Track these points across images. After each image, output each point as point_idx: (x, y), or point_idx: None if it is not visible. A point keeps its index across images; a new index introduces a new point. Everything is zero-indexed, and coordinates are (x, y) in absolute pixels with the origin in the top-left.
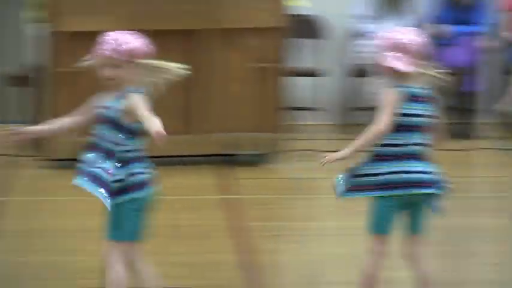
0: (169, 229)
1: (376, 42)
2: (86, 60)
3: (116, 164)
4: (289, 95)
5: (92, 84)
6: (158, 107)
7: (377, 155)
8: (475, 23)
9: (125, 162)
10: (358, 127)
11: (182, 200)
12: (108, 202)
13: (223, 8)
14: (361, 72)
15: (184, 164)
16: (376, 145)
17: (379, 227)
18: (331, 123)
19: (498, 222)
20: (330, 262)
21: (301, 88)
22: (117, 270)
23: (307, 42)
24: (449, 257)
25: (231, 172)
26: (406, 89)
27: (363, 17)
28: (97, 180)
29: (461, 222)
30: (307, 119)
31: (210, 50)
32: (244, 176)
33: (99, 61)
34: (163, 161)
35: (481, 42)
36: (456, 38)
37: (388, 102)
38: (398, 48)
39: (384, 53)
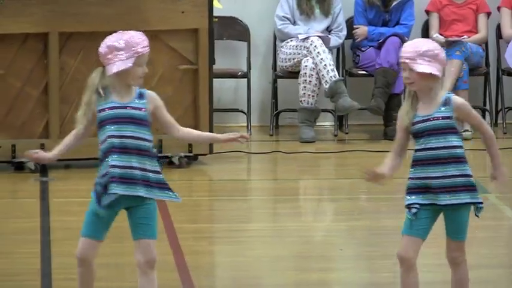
0: None
1: None
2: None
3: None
4: (217, 97)
5: (6, 86)
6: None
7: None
8: (399, 24)
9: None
10: (285, 128)
11: None
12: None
13: (147, 10)
14: (285, 73)
15: None
16: None
17: None
18: (259, 124)
19: None
20: (263, 264)
21: (227, 90)
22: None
23: (232, 43)
24: (379, 258)
25: (164, 174)
26: None
27: (287, 18)
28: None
29: (391, 223)
30: (235, 121)
31: None
32: (176, 178)
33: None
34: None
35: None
36: (380, 39)
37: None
38: None
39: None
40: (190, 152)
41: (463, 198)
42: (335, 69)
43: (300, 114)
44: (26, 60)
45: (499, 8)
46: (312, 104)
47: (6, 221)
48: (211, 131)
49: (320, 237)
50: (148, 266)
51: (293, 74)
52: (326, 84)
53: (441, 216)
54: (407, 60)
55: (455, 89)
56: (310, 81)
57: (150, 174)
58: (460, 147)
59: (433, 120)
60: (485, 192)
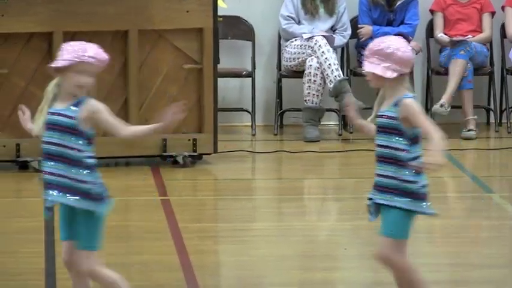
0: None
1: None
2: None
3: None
4: (221, 96)
5: (10, 85)
6: None
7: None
8: (403, 24)
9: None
10: (289, 128)
11: (120, 201)
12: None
13: (152, 9)
14: (290, 72)
15: (126, 164)
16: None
17: None
18: (261, 123)
19: (432, 223)
20: (268, 263)
21: (231, 89)
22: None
23: (236, 43)
24: None
25: (168, 173)
26: None
27: (291, 18)
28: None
29: None
30: (240, 120)
31: (142, 51)
32: (181, 177)
33: (76, 67)
34: (100, 162)
35: (411, 43)
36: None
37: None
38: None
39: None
40: (194, 151)
41: (395, 201)
42: (339, 69)
43: (305, 114)
44: (30, 60)
45: (503, 8)
46: (316, 103)
47: (10, 220)
48: (215, 130)
49: (324, 237)
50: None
51: (297, 73)
52: (330, 84)
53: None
54: (364, 58)
55: (459, 89)
56: (314, 81)
57: (77, 184)
58: (403, 150)
59: (382, 117)
60: (490, 192)
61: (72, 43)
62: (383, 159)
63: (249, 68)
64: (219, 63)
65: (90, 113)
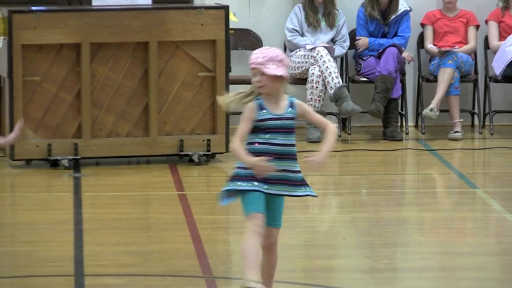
0: (132, 222)
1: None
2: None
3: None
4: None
5: (43, 91)
6: (119, 113)
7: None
8: (397, 36)
9: None
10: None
11: (141, 195)
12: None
13: (170, 23)
14: (295, 79)
15: (147, 162)
16: None
17: None
18: None
19: (422, 215)
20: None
21: None
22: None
23: (246, 53)
24: (378, 246)
25: (185, 171)
26: None
27: (295, 30)
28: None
29: (390, 215)
30: None
31: (161, 60)
32: (196, 174)
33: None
34: (123, 160)
35: (402, 53)
36: (379, 49)
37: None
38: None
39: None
40: (208, 150)
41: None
42: (339, 76)
43: None
44: (60, 68)
45: (486, 21)
46: (318, 107)
47: (43, 212)
48: (227, 131)
49: (325, 228)
50: None
51: (301, 80)
52: (331, 90)
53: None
54: (258, 66)
55: (447, 94)
56: (316, 87)
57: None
58: (295, 145)
59: (283, 119)
60: (474, 187)
61: None
62: (281, 156)
63: None
64: (230, 71)
65: None
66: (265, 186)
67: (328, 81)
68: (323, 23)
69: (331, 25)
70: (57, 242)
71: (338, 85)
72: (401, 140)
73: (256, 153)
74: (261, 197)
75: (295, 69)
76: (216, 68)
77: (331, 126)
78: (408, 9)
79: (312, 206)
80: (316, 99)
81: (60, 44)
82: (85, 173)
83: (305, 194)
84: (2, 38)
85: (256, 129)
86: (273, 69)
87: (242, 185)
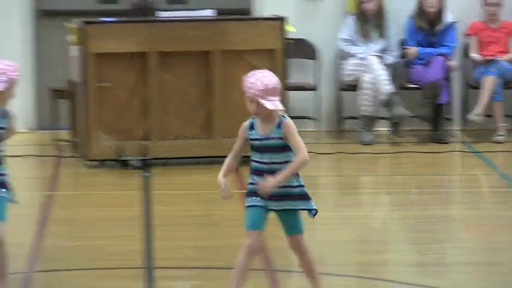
0: (198, 218)
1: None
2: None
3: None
4: (290, 106)
5: (114, 96)
6: (184, 117)
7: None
8: (443, 45)
9: None
10: (348, 133)
11: (206, 194)
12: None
13: (232, 33)
14: (348, 86)
15: (209, 163)
16: None
17: None
18: (324, 129)
19: (467, 213)
20: (330, 247)
21: (299, 100)
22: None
23: (302, 61)
24: (427, 242)
25: (246, 171)
26: None
27: (348, 40)
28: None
29: (437, 212)
30: (306, 127)
31: (223, 68)
32: None
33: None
34: (191, 161)
35: (449, 62)
36: (427, 58)
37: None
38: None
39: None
40: None
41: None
42: (390, 83)
43: (361, 121)
44: (130, 75)
45: None
46: (370, 112)
47: (114, 209)
48: None
49: (377, 225)
50: None
51: (354, 87)
52: (382, 96)
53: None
54: (256, 98)
55: (492, 100)
56: (369, 93)
57: None
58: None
59: (269, 139)
60: None
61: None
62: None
63: (313, 83)
64: (287, 78)
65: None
66: (265, 202)
67: (379, 88)
68: (374, 33)
69: (381, 35)
70: (128, 237)
71: (389, 91)
72: (448, 142)
73: (254, 170)
74: (260, 213)
75: (348, 77)
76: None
77: (300, 156)
78: (454, 20)
79: (365, 205)
80: (368, 105)
81: (130, 53)
82: (153, 173)
83: (303, 208)
84: (76, 47)
85: (251, 147)
86: (271, 103)
87: (247, 201)
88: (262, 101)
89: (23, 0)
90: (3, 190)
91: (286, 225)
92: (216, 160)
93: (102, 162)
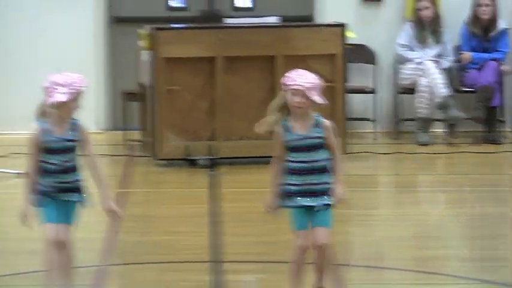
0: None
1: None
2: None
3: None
4: (350, 108)
5: (182, 99)
6: (249, 118)
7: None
8: (496, 51)
9: None
10: (405, 134)
11: (267, 191)
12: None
13: (295, 39)
14: (405, 89)
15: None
16: None
17: None
18: (383, 130)
19: None
20: (388, 242)
21: (358, 103)
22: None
23: (362, 66)
24: (481, 238)
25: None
26: None
27: (406, 46)
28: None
29: (490, 210)
30: (364, 128)
31: (286, 72)
32: None
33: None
34: (255, 160)
35: (501, 66)
36: (481, 62)
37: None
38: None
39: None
40: None
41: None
42: (445, 87)
43: (417, 123)
44: (197, 79)
45: None
46: (427, 114)
47: (183, 206)
48: (344, 136)
49: (434, 221)
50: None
51: (411, 90)
52: (438, 99)
53: None
54: (305, 90)
55: None
56: (425, 96)
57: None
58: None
59: (307, 138)
60: None
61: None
62: (317, 171)
63: (372, 86)
64: (347, 81)
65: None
66: (307, 201)
67: (435, 91)
68: (430, 39)
69: (437, 41)
70: (196, 232)
71: (444, 94)
72: (501, 143)
73: (292, 169)
74: (304, 213)
75: (405, 80)
76: (335, 79)
77: (340, 155)
78: (507, 27)
79: (422, 202)
80: (424, 107)
81: (198, 58)
82: (221, 171)
83: (323, 203)
84: (146, 52)
85: (287, 148)
86: (318, 98)
87: (288, 202)
88: (311, 96)
89: (97, 8)
90: (76, 194)
91: (319, 218)
92: None
93: (171, 162)
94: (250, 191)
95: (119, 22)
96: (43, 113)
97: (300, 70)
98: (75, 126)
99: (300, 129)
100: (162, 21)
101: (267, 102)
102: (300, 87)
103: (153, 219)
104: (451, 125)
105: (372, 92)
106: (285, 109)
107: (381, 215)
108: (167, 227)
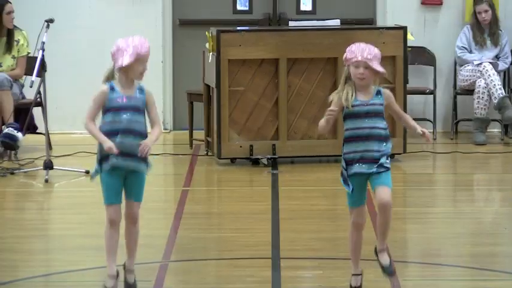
0: (322, 212)
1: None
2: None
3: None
4: (409, 109)
5: (246, 99)
6: (311, 118)
7: None
8: None
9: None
10: (462, 134)
11: (330, 189)
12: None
13: (357, 41)
14: (463, 91)
15: (335, 161)
16: None
17: None
18: (441, 130)
19: None
20: (445, 239)
21: (417, 103)
22: None
23: (421, 67)
24: None
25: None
26: None
27: (464, 48)
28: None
29: None
30: (424, 128)
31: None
32: None
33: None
34: (316, 159)
35: None
36: None
37: None
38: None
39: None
40: None
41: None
42: (502, 88)
43: (475, 123)
44: (261, 80)
45: None
46: (484, 115)
47: (245, 204)
48: (405, 134)
49: (489, 219)
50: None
51: (469, 91)
52: (495, 100)
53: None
54: (366, 60)
55: None
56: (482, 97)
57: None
58: (382, 128)
59: (370, 105)
60: None
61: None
62: (376, 137)
63: (431, 87)
64: (408, 83)
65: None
66: (367, 168)
67: (492, 92)
68: (488, 42)
69: (495, 43)
70: (257, 230)
71: (501, 95)
72: None
73: (350, 137)
74: (361, 186)
75: (463, 82)
76: (395, 80)
77: (404, 114)
78: None
79: (478, 200)
80: (482, 108)
81: (261, 59)
82: (281, 170)
83: (376, 170)
84: (211, 53)
85: (348, 115)
86: (379, 67)
87: (349, 169)
88: (373, 65)
89: (164, 11)
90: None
91: (380, 179)
92: (339, 159)
93: (233, 160)
94: (310, 189)
95: (185, 25)
96: (111, 77)
97: (359, 43)
98: (142, 90)
99: (362, 96)
100: (228, 24)
101: (328, 102)
102: (361, 59)
103: (216, 216)
104: (508, 125)
105: (431, 93)
106: (350, 82)
107: (438, 213)
108: (229, 224)
